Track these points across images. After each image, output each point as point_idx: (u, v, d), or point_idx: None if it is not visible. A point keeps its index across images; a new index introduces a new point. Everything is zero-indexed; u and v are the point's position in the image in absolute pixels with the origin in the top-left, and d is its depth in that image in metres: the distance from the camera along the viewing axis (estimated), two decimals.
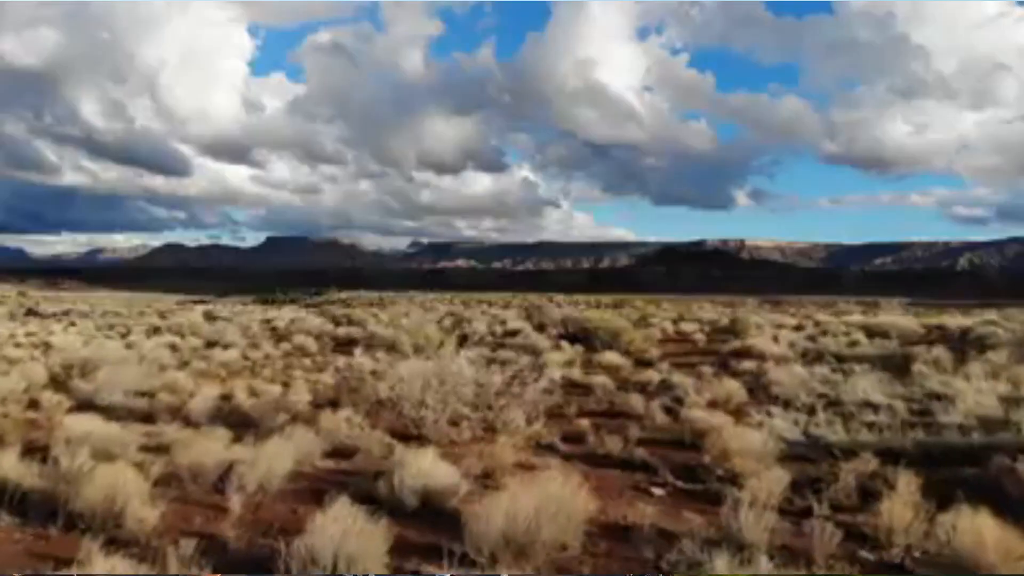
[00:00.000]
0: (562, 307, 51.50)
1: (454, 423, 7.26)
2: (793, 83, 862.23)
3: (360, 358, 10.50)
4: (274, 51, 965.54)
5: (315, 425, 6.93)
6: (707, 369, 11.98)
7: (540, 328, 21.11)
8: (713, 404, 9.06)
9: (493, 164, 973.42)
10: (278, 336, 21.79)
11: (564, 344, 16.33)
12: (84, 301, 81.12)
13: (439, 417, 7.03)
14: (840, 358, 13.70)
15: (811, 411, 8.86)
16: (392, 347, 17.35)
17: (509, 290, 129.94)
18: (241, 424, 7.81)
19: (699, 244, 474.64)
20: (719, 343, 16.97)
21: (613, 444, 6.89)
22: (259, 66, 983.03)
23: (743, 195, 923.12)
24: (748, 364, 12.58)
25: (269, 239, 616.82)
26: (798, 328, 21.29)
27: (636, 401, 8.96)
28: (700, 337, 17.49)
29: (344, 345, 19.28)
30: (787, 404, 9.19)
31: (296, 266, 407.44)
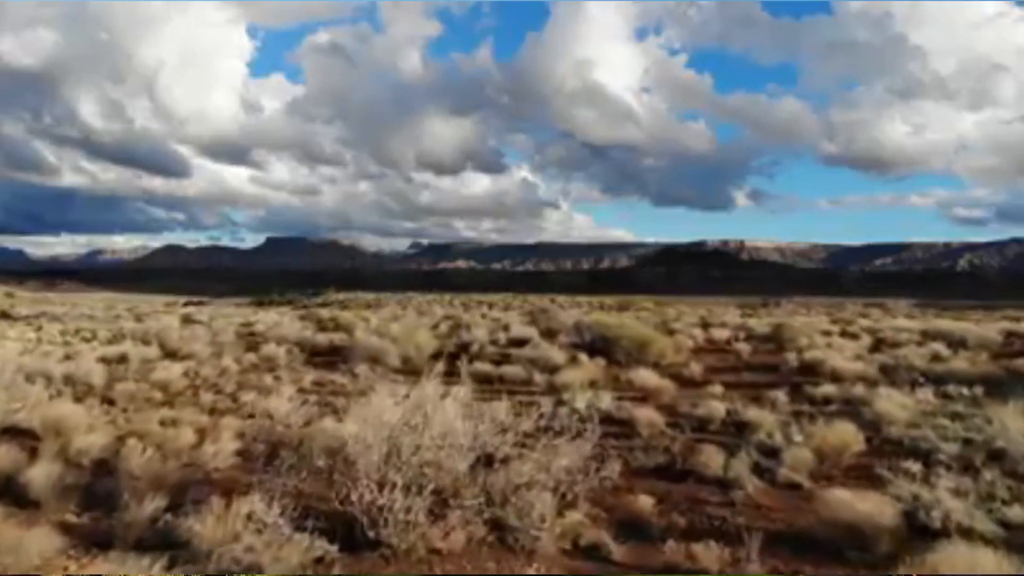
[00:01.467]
0: (566, 309, 48.66)
1: (438, 511, 4.38)
2: (791, 83, 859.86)
3: (286, 402, 7.63)
4: (273, 52, 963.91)
5: (203, 519, 4.04)
6: (778, 396, 9.10)
7: (549, 335, 18.34)
8: (821, 456, 6.20)
9: (492, 165, 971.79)
10: (250, 344, 18.96)
11: (582, 357, 13.47)
12: (70, 303, 78.14)
13: (412, 504, 4.14)
14: (933, 377, 10.83)
15: (968, 469, 6.02)
16: (376, 359, 14.50)
17: (509, 291, 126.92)
18: (103, 503, 4.95)
19: (699, 245, 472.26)
20: (768, 355, 14.12)
21: (707, 554, 4.02)
22: (258, 67, 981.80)
23: (742, 196, 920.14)
24: (827, 387, 9.70)
25: (269, 240, 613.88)
26: (846, 335, 18.46)
27: (710, 455, 6.08)
28: (743, 348, 14.58)
29: (322, 355, 16.47)
30: (926, 457, 6.33)
31: (296, 267, 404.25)
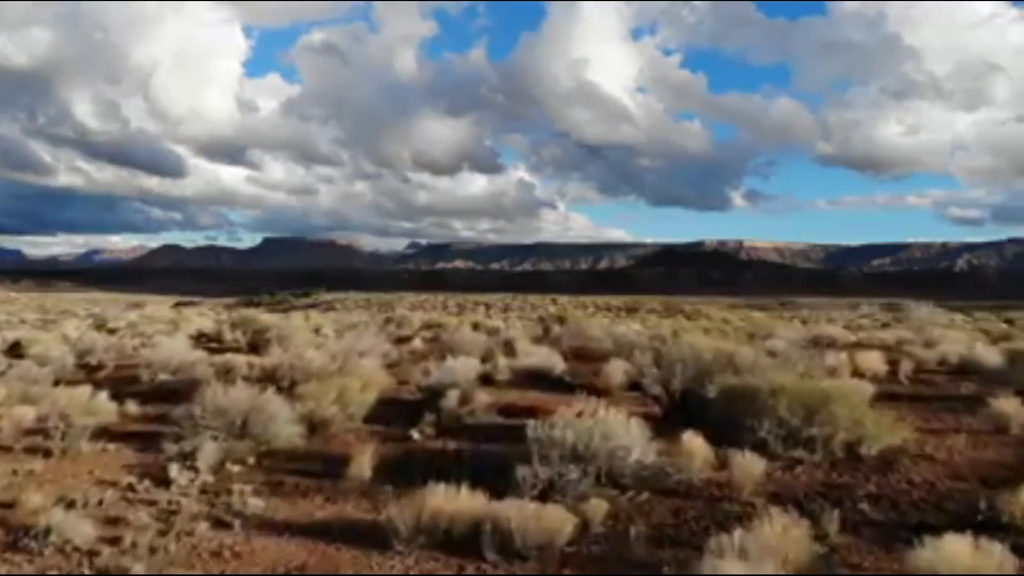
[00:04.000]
0: (568, 312, 41.04)
1: None
2: (786, 84, 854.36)
3: None
4: (269, 51, 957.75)
5: None
6: None
7: (579, 360, 11.19)
8: None
9: (488, 165, 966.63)
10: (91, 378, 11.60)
11: (689, 440, 5.92)
12: (23, 303, 71.01)
13: None
14: None
15: None
16: (242, 432, 7.03)
17: (507, 291, 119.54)
18: None
19: (697, 245, 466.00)
20: None
21: None
22: (254, 66, 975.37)
23: (739, 196, 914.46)
24: None
25: (266, 240, 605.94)
26: None
27: None
28: (1007, 407, 7.02)
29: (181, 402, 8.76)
30: None
31: (293, 267, 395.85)
